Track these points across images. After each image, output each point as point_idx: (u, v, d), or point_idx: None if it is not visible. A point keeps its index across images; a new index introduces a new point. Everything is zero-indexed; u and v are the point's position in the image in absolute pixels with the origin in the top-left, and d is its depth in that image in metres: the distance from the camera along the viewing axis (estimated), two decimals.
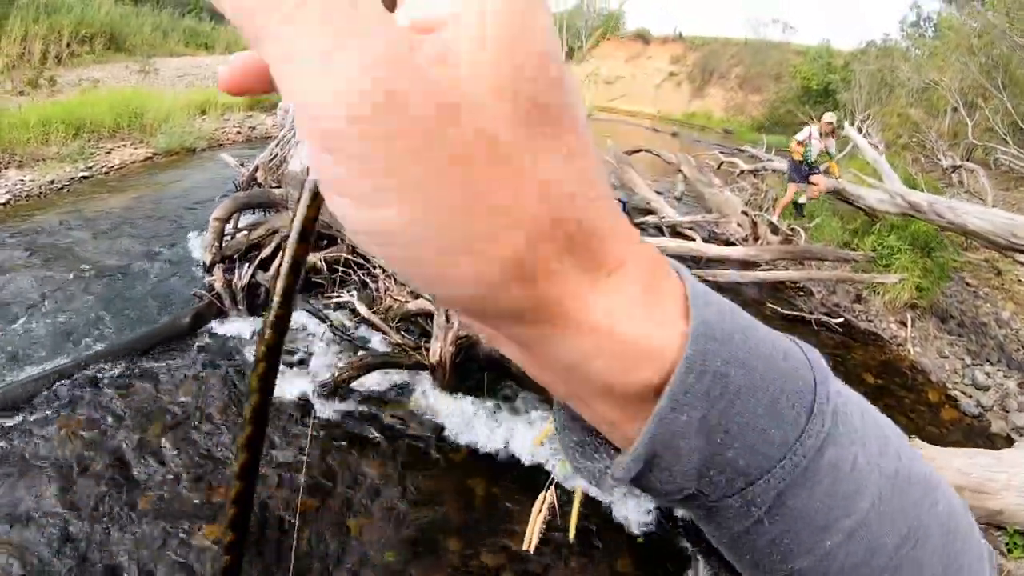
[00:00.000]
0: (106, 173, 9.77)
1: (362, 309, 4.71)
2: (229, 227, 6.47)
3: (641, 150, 13.60)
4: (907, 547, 0.30)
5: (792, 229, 9.35)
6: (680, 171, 11.84)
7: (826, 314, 7.46)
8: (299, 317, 5.48)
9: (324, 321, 5.09)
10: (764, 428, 0.27)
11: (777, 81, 33.37)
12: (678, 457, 0.27)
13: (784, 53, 35.71)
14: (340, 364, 4.79)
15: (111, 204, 8.56)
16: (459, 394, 4.40)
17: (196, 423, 4.40)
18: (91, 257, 6.79)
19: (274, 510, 3.84)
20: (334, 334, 5.08)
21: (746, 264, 8.54)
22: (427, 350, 4.34)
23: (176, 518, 3.74)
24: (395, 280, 5.29)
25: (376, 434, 4.25)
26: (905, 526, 0.30)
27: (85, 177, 9.44)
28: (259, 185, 6.66)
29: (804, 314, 7.35)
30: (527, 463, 4.13)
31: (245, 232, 6.41)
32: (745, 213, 9.43)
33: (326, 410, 4.35)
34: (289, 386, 4.57)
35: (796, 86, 28.99)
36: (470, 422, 4.28)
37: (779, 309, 7.39)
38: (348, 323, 5.29)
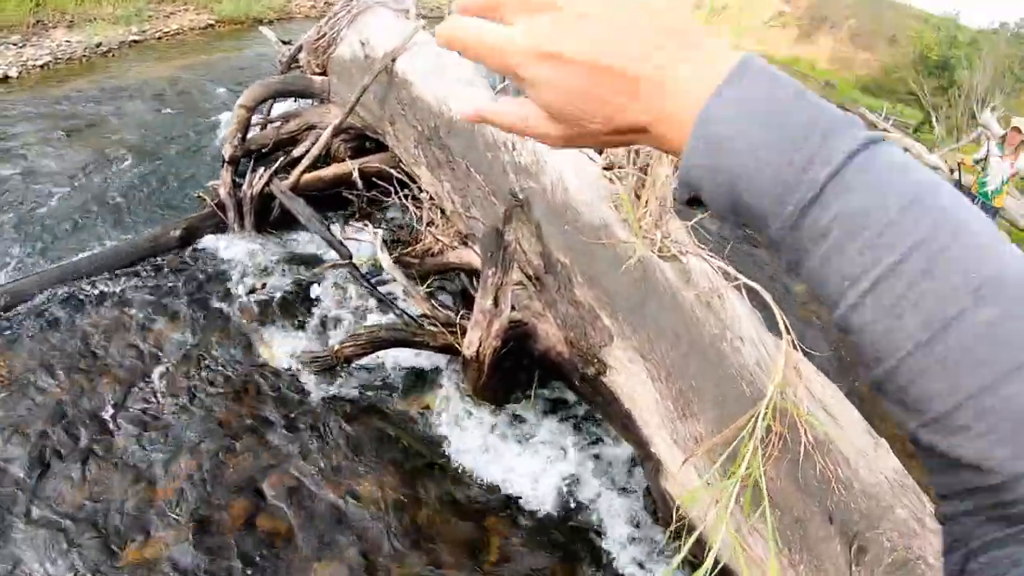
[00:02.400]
0: (159, 39, 8.42)
1: (384, 259, 3.30)
2: (259, 117, 5.08)
3: None
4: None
5: None
6: None
7: None
8: (311, 245, 4.14)
9: (343, 257, 3.73)
10: (772, 176, 0.33)
11: (891, 43, 29.36)
12: (711, 184, 0.35)
13: (903, 16, 31.31)
14: (351, 324, 3.47)
15: (154, 73, 7.24)
16: (493, 402, 3.04)
17: (160, 369, 3.19)
18: (115, 135, 5.52)
19: (223, 529, 2.64)
20: (353, 278, 3.72)
21: None
22: (463, 330, 2.96)
23: (116, 487, 2.59)
24: (443, 213, 3.85)
25: (373, 438, 2.94)
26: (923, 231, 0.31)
27: (136, 41, 8.12)
28: (300, 69, 5.19)
29: None
30: (563, 516, 2.80)
31: (277, 124, 5.01)
32: None
33: (315, 390, 3.06)
34: (279, 346, 3.28)
35: (914, 53, 25.19)
36: (501, 443, 2.92)
37: None
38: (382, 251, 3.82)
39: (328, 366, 3.00)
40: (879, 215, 0.31)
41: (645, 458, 2.55)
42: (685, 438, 2.30)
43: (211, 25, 9.15)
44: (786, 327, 2.30)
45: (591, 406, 2.95)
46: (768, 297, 2.50)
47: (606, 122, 0.37)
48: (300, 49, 5.16)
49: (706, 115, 0.34)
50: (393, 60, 4.08)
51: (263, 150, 4.88)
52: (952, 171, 6.89)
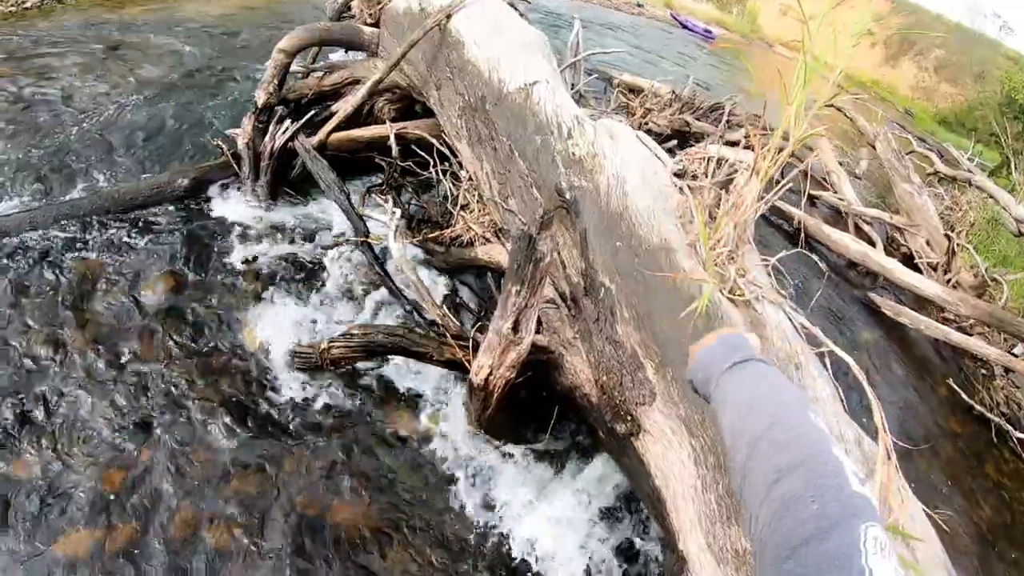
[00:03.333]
0: None
1: (394, 247, 2.72)
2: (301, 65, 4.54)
3: (833, 105, 10.25)
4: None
5: (993, 279, 6.42)
6: (872, 146, 8.67)
7: (1008, 420, 4.75)
8: (332, 214, 3.57)
9: (359, 234, 3.17)
10: (708, 375, 0.97)
11: (978, 80, 27.23)
12: (695, 381, 1.02)
13: (994, 53, 29.04)
14: (354, 315, 2.92)
15: (213, 10, 6.76)
16: (499, 438, 2.45)
17: (130, 334, 2.71)
18: (154, 68, 5.00)
19: (164, 536, 2.16)
20: (367, 261, 3.15)
21: (922, 301, 5.83)
22: (476, 346, 2.38)
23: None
24: (481, 198, 3.25)
25: (356, 456, 2.39)
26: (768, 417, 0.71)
27: None
28: (353, 18, 4.61)
29: (984, 410, 4.68)
30: None
31: (319, 74, 4.46)
32: (948, 236, 6.55)
33: (295, 388, 2.52)
34: (265, 329, 2.75)
35: (1001, 93, 23.21)
36: (505, 491, 2.35)
37: (958, 391, 4.71)
38: (396, 239, 3.23)
39: (312, 365, 2.46)
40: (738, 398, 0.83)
41: (668, 546, 1.95)
42: (724, 547, 1.69)
43: None
44: (883, 427, 1.67)
45: (616, 462, 2.35)
46: (863, 379, 1.88)
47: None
48: None
49: (699, 355, 1.00)
50: (448, 16, 3.46)
51: (302, 101, 4.35)
52: None
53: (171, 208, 3.32)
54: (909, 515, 1.75)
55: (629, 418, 1.96)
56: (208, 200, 3.35)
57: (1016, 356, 5.25)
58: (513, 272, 1.99)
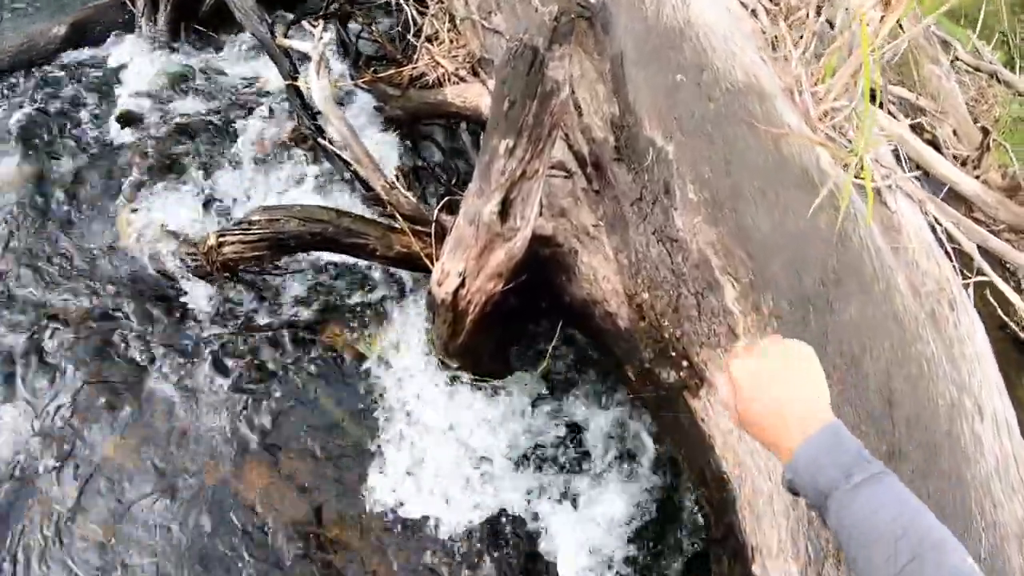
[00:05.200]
0: None
1: (317, 85, 1.70)
2: None
3: None
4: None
5: None
6: (899, 26, 7.53)
7: None
8: (255, 58, 2.52)
9: (284, 75, 2.17)
10: (821, 485, 0.58)
11: None
12: (798, 484, 0.61)
13: None
14: (268, 193, 2.02)
15: None
16: (474, 370, 1.65)
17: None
18: None
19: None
20: (294, 112, 2.18)
21: (951, 196, 5.05)
22: (442, 233, 1.53)
23: None
24: (453, 22, 2.22)
25: (277, 396, 1.60)
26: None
27: None
28: None
29: (1017, 329, 4.04)
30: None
31: None
32: (985, 130, 5.65)
33: (191, 299, 1.68)
34: (146, 219, 1.85)
35: None
36: (485, 436, 1.61)
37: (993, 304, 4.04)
38: (320, 74, 2.03)
39: (200, 272, 1.59)
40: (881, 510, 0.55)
41: (729, 553, 1.25)
42: None
43: None
44: None
45: (648, 411, 1.60)
46: None
47: (762, 427, 0.65)
48: None
49: (800, 452, 0.61)
50: None
51: None
52: None
53: (45, 67, 2.33)
54: None
55: (685, 363, 1.18)
56: (93, 50, 2.36)
57: None
58: (503, 115, 1.10)
